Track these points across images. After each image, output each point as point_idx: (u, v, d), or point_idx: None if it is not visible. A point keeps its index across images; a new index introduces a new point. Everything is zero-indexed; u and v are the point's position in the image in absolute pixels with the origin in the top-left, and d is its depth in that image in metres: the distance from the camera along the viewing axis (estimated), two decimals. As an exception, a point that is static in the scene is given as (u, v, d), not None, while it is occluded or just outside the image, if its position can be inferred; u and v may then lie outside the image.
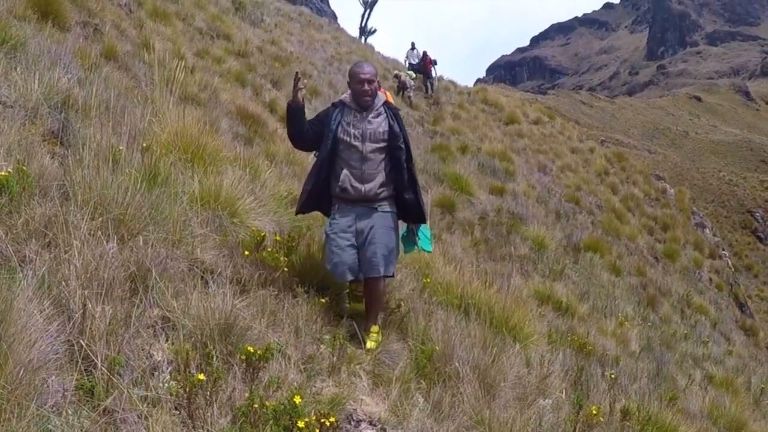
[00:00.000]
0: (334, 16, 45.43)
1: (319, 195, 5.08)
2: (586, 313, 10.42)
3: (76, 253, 3.36)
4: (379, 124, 5.01)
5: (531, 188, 17.18)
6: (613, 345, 9.60)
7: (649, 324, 12.65)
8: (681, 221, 22.29)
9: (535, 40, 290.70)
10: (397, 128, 5.04)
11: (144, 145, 5.15)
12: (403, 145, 5.04)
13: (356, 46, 29.52)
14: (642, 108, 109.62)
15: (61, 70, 5.76)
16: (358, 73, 5.00)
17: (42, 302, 3.07)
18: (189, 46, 13.28)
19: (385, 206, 5.06)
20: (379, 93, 5.14)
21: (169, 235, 4.15)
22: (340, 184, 4.95)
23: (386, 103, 5.14)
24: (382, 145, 4.99)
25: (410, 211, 5.23)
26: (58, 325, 3.02)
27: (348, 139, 4.93)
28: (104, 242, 3.60)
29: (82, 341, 3.01)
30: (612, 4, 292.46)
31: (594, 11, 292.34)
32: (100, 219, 3.78)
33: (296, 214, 5.29)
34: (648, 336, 11.58)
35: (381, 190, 5.00)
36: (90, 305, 3.10)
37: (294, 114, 4.99)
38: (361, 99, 4.98)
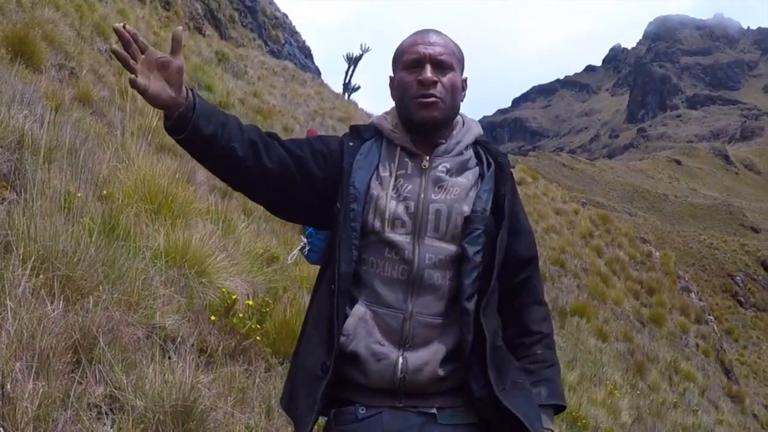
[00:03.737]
0: (318, 72, 45.44)
1: (309, 378, 2.13)
2: (576, 382, 10.01)
3: (10, 317, 2.83)
4: (464, 189, 2.19)
5: (514, 251, 16.70)
6: (604, 416, 9.21)
7: (638, 392, 12.29)
8: (667, 285, 22.01)
9: (517, 102, 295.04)
10: (507, 205, 2.23)
11: (104, 192, 4.65)
12: (526, 253, 2.31)
13: (339, 102, 29.46)
14: (622, 171, 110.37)
15: (23, 109, 5.30)
16: (413, 43, 2.27)
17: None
18: (169, 95, 12.92)
19: (452, 415, 2.12)
20: (466, 119, 2.37)
21: (126, 295, 3.62)
22: (345, 340, 2.10)
23: (482, 143, 2.35)
24: (468, 247, 2.15)
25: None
26: (-23, 406, 2.49)
27: (378, 224, 2.14)
28: (47, 303, 3.09)
29: (4, 427, 2.47)
30: (594, 66, 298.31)
31: (576, 74, 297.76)
32: (43, 276, 3.26)
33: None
34: (638, 405, 11.22)
35: (448, 369, 2.11)
36: (20, 381, 2.58)
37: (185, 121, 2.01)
38: (418, 114, 2.20)
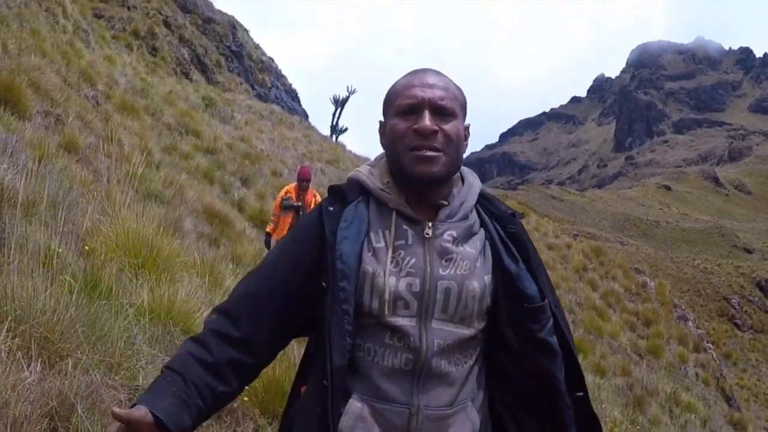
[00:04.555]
0: (305, 115, 45.54)
1: None
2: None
3: (-19, 384, 2.69)
4: (472, 260, 1.89)
5: (508, 290, 16.64)
6: (607, 454, 8.99)
7: (639, 428, 12.09)
8: (663, 315, 21.84)
9: (504, 137, 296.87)
10: (524, 281, 1.90)
11: (87, 247, 4.50)
12: (554, 346, 1.90)
13: (327, 145, 29.49)
14: (612, 200, 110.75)
15: (5, 160, 5.19)
16: (409, 85, 1.94)
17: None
18: (157, 141, 12.93)
19: None
20: (466, 173, 2.06)
21: (107, 356, 3.45)
22: None
23: (483, 200, 2.03)
24: (475, 330, 1.89)
25: None
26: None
27: (377, 305, 1.83)
28: (23, 367, 2.94)
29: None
30: (579, 98, 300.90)
31: (561, 105, 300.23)
32: (20, 339, 3.11)
33: None
34: (640, 441, 11.03)
35: None
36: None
37: None
38: (415, 169, 1.87)
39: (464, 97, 2.01)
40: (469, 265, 1.86)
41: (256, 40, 48.27)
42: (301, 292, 1.90)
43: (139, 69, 20.35)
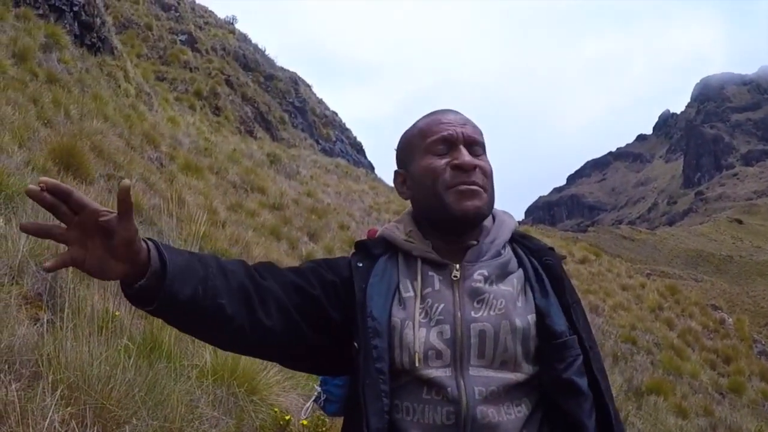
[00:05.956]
0: (371, 167, 45.63)
1: None
2: (660, 466, 9.44)
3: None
4: (510, 299, 1.71)
5: (585, 332, 16.33)
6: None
7: (726, 470, 11.66)
8: (743, 351, 21.27)
9: (572, 178, 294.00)
10: (553, 317, 1.71)
11: (146, 308, 4.33)
12: (580, 387, 1.68)
13: (395, 195, 29.36)
14: (683, 237, 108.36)
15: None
16: (437, 122, 1.85)
17: None
18: (222, 200, 12.94)
19: None
20: (497, 212, 1.92)
21: (168, 422, 3.23)
22: None
23: (519, 238, 1.90)
24: (525, 375, 1.68)
25: None
26: None
27: (407, 359, 1.66)
28: (78, 438, 2.75)
29: None
30: (645, 135, 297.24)
31: (627, 144, 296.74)
32: (70, 408, 2.90)
33: None
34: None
35: None
36: None
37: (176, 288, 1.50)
38: (460, 206, 1.75)
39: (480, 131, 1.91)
40: (505, 304, 1.69)
41: (319, 95, 48.92)
42: (330, 323, 1.75)
43: (203, 129, 20.65)
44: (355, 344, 1.68)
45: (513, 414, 1.63)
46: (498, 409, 1.62)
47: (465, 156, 1.77)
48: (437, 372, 1.63)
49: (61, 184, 1.36)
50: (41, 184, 1.34)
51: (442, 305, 1.68)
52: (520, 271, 1.78)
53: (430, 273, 1.74)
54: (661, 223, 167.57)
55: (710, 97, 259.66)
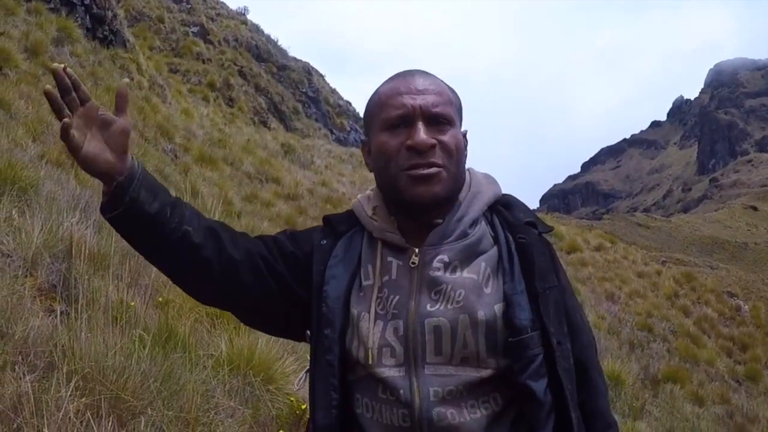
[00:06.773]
0: (385, 155, 45.59)
1: None
2: (678, 455, 9.45)
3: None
4: (473, 289, 1.53)
5: (600, 319, 16.33)
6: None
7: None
8: (760, 339, 21.12)
9: (586, 166, 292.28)
10: (515, 307, 1.52)
11: (161, 299, 4.30)
12: (579, 355, 1.61)
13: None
14: (698, 224, 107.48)
15: (77, 214, 5.08)
16: (394, 92, 1.61)
17: None
18: (237, 191, 12.95)
19: None
20: (474, 177, 1.70)
21: (184, 412, 3.20)
22: None
23: (500, 208, 1.67)
24: (492, 370, 1.52)
25: None
26: None
27: (362, 355, 1.55)
28: (93, 427, 2.73)
29: None
30: (659, 122, 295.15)
31: (642, 131, 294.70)
32: (85, 398, 2.89)
33: None
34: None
35: None
36: None
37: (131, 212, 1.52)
38: (413, 192, 1.56)
39: (459, 100, 1.68)
40: (465, 296, 1.51)
41: (332, 85, 48.77)
42: (291, 287, 1.65)
43: (217, 120, 20.64)
44: (308, 331, 1.60)
45: (479, 413, 1.49)
46: (459, 410, 1.48)
47: (420, 135, 1.54)
48: (390, 371, 1.51)
49: (73, 73, 1.48)
50: (64, 67, 1.46)
51: (397, 297, 1.54)
52: (494, 249, 1.59)
53: (389, 258, 1.59)
54: (676, 210, 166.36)
55: (724, 83, 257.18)
